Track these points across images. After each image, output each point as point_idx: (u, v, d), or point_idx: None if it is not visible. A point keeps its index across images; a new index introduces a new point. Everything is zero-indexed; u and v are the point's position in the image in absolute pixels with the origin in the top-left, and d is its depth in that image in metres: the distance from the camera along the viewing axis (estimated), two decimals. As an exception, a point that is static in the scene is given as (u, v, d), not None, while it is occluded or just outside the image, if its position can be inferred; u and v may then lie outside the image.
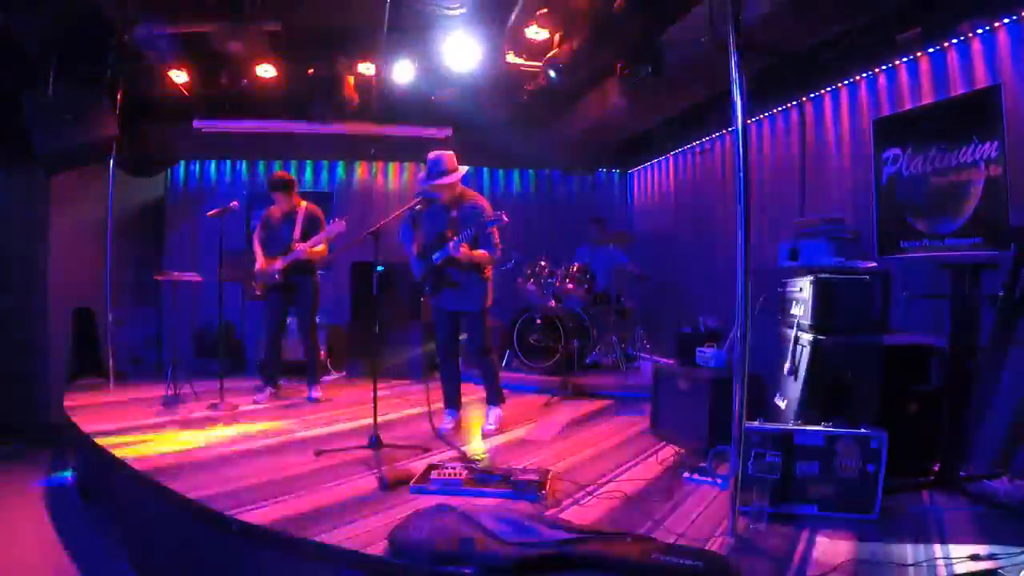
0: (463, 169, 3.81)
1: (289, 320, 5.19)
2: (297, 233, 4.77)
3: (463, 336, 4.14)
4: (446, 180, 3.69)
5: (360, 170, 7.53)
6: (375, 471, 3.01)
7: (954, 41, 3.56)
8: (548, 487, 2.79)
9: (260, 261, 4.87)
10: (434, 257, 3.82)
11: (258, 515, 2.48)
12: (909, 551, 2.24)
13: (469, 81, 5.60)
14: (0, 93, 4.97)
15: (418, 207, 3.75)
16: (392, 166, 7.59)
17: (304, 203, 4.93)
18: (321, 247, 4.81)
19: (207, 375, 5.38)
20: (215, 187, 7.30)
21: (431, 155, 3.75)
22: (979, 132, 3.38)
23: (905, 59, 3.89)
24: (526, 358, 5.99)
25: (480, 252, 3.77)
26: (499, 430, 4.01)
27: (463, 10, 4.62)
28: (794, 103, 4.94)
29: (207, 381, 5.02)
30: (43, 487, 4.10)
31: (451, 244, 3.68)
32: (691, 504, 2.72)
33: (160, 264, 6.89)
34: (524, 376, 5.83)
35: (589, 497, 2.78)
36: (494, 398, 4.12)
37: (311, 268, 4.90)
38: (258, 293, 4.99)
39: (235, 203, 4.79)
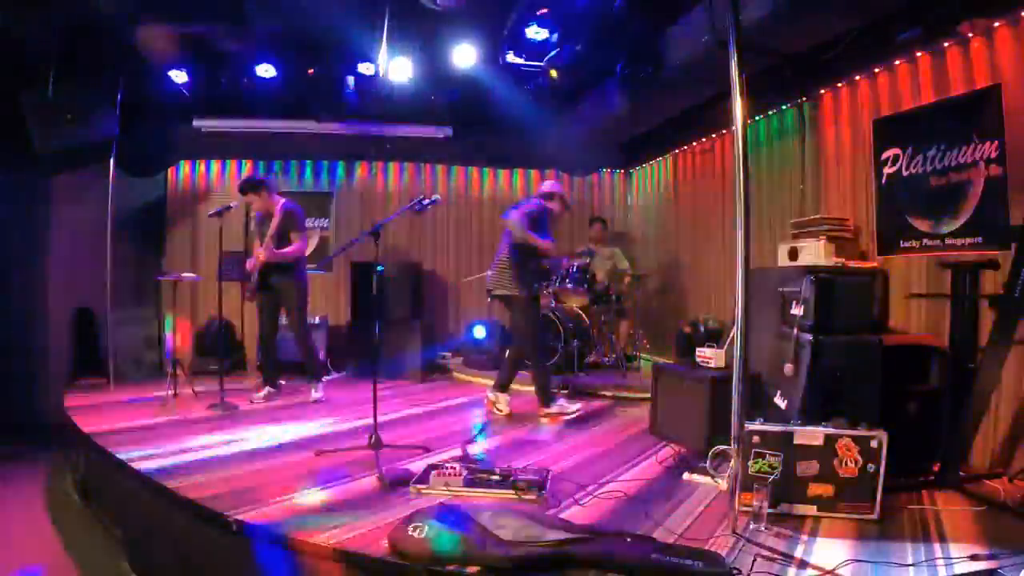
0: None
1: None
2: (271, 232, 4.71)
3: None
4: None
5: (360, 170, 7.51)
6: (375, 471, 3.01)
7: (954, 41, 3.55)
8: (548, 487, 2.80)
9: (249, 262, 4.86)
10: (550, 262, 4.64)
11: (258, 515, 2.48)
12: (909, 551, 2.25)
13: (469, 81, 5.60)
14: (0, 93, 4.96)
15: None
16: (392, 166, 7.57)
17: (282, 201, 4.88)
18: (290, 249, 4.76)
19: (207, 375, 5.39)
20: (215, 187, 7.29)
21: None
22: (979, 132, 3.37)
23: (905, 59, 3.89)
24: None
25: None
26: (497, 429, 4.01)
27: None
28: (794, 103, 4.94)
29: (207, 381, 5.02)
30: (43, 487, 4.10)
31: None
32: (691, 504, 2.72)
33: (160, 264, 6.89)
34: (524, 376, 5.81)
35: (589, 497, 2.79)
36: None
37: (289, 268, 4.83)
38: (247, 295, 4.96)
39: (235, 203, 4.78)
